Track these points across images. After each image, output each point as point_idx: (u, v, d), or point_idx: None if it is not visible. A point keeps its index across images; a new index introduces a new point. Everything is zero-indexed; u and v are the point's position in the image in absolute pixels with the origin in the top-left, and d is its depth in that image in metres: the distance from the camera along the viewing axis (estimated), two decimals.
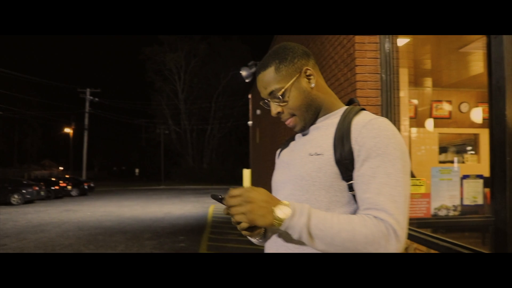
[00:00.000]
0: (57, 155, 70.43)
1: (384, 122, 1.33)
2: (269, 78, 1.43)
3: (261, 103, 1.53)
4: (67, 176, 33.63)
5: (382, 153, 1.27)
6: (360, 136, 1.30)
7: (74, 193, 27.15)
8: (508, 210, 2.12)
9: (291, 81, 1.42)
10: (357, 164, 1.30)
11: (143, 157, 69.90)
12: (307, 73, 1.44)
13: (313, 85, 1.44)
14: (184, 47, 53.39)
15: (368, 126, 1.31)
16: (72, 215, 15.77)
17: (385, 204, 1.22)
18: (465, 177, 3.02)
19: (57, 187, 25.33)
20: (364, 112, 1.41)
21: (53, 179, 27.07)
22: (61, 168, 66.08)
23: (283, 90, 1.42)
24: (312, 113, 1.46)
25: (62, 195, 25.79)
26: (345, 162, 1.31)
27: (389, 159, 1.26)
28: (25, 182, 22.79)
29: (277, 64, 1.42)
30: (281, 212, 1.25)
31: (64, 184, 26.31)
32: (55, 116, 60.82)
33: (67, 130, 50.88)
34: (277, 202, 1.27)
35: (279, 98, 1.43)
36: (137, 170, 62.05)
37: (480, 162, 4.93)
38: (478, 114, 4.98)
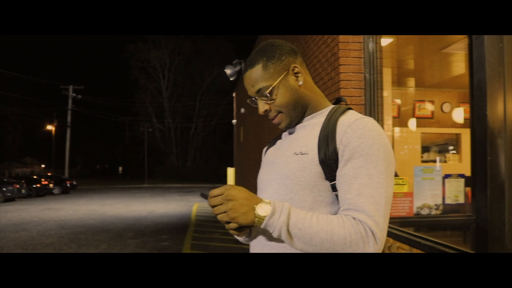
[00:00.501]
0: (39, 152, 69.56)
1: (370, 122, 1.32)
2: (257, 76, 1.41)
3: (248, 101, 1.51)
4: (49, 174, 33.21)
5: (365, 154, 1.26)
6: (345, 136, 1.30)
7: (56, 191, 26.81)
8: (489, 209, 2.14)
9: (279, 79, 1.40)
10: (340, 164, 1.29)
11: (127, 155, 69.38)
12: (295, 71, 1.43)
13: (301, 82, 1.43)
14: (169, 45, 53.11)
15: (353, 126, 1.30)
16: (54, 213, 15.58)
17: (365, 205, 1.22)
18: (447, 176, 3.05)
19: (38, 185, 24.99)
20: (350, 111, 1.41)
21: (35, 177, 26.75)
22: (43, 165, 65.32)
23: (270, 88, 1.40)
24: (298, 111, 1.46)
25: (43, 193, 25.46)
26: (329, 162, 1.31)
27: (372, 160, 1.26)
28: (5, 179, 22.48)
29: (265, 62, 1.40)
30: (262, 210, 1.25)
31: (46, 182, 25.97)
32: (37, 113, 60.13)
33: (49, 127, 50.30)
34: (258, 200, 1.28)
35: (266, 96, 1.42)
36: (120, 168, 61.62)
37: (461, 162, 4.99)
38: (459, 114, 5.04)
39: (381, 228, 1.22)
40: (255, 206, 1.26)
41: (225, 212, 1.26)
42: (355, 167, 1.27)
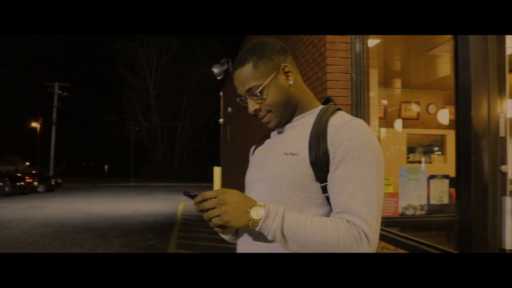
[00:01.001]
0: (24, 150, 68.71)
1: (361, 124, 1.33)
2: (247, 75, 1.40)
3: (237, 100, 1.50)
4: (33, 171, 32.81)
5: (357, 156, 1.27)
6: (336, 138, 1.30)
7: (40, 189, 26.48)
8: (472, 210, 2.16)
9: (269, 78, 1.39)
10: (332, 166, 1.30)
11: (113, 154, 68.84)
12: (285, 70, 1.42)
13: (291, 82, 1.42)
14: (156, 43, 52.81)
15: (344, 128, 1.31)
16: (38, 211, 15.42)
17: (358, 208, 1.23)
18: (432, 177, 3.07)
19: (22, 183, 24.65)
20: (340, 112, 1.41)
21: (19, 174, 26.42)
22: (27, 163, 64.55)
23: (261, 87, 1.39)
24: (288, 110, 1.45)
25: (28, 191, 25.11)
26: (320, 164, 1.31)
27: (364, 162, 1.27)
28: None
29: (255, 61, 1.39)
30: (256, 213, 1.25)
31: (30, 180, 25.66)
32: (22, 110, 59.39)
33: (34, 124, 49.79)
34: (252, 203, 1.28)
35: (257, 95, 1.41)
36: (106, 167, 61.11)
37: (446, 163, 5.03)
38: (445, 116, 5.08)
39: (374, 230, 1.23)
40: (249, 209, 1.26)
41: (218, 216, 1.26)
42: (347, 170, 1.27)
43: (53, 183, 27.99)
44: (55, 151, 39.56)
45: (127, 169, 52.39)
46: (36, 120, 49.64)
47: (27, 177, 25.60)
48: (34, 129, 51.46)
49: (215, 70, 13.40)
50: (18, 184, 24.24)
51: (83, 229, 11.13)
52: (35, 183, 26.11)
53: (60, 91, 39.04)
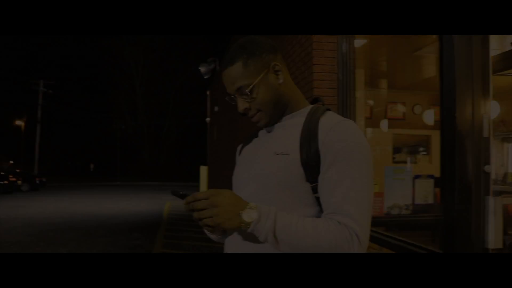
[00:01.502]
0: (8, 148, 67.83)
1: (351, 125, 1.33)
2: (237, 74, 1.39)
3: (227, 99, 1.48)
4: (17, 170, 32.37)
5: (348, 157, 1.27)
6: (327, 139, 1.30)
7: (24, 188, 26.20)
8: (456, 209, 2.18)
9: (260, 77, 1.38)
10: (323, 167, 1.29)
11: (99, 152, 68.27)
12: (275, 69, 1.41)
13: (281, 81, 1.42)
14: (143, 41, 52.53)
15: (335, 129, 1.31)
16: (22, 211, 15.24)
17: (350, 209, 1.23)
18: (417, 177, 3.10)
19: (6, 182, 24.31)
20: (329, 112, 1.42)
21: (2, 173, 26.04)
22: (11, 162, 63.77)
23: (251, 86, 1.38)
24: (278, 109, 1.44)
25: (11, 190, 24.79)
26: (311, 164, 1.30)
27: (355, 163, 1.27)
28: None
29: (245, 59, 1.38)
30: (248, 215, 1.24)
31: (14, 179, 25.34)
32: (6, 108, 58.67)
33: (19, 122, 49.20)
34: (244, 205, 1.26)
35: (247, 94, 1.40)
36: (92, 166, 60.61)
37: (431, 163, 5.06)
38: (430, 116, 5.12)
39: (365, 231, 1.24)
40: (240, 212, 1.24)
41: (210, 217, 1.24)
42: (339, 171, 1.27)
43: (37, 182, 27.70)
44: (40, 149, 39.16)
45: (113, 168, 52.04)
46: (20, 118, 49.04)
47: (10, 176, 25.26)
48: (19, 127, 50.85)
49: (202, 69, 13.37)
50: (1, 182, 23.87)
51: (68, 228, 11.03)
52: (19, 182, 25.82)
53: (45, 89, 38.63)
